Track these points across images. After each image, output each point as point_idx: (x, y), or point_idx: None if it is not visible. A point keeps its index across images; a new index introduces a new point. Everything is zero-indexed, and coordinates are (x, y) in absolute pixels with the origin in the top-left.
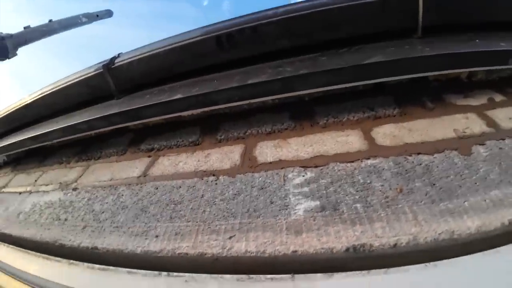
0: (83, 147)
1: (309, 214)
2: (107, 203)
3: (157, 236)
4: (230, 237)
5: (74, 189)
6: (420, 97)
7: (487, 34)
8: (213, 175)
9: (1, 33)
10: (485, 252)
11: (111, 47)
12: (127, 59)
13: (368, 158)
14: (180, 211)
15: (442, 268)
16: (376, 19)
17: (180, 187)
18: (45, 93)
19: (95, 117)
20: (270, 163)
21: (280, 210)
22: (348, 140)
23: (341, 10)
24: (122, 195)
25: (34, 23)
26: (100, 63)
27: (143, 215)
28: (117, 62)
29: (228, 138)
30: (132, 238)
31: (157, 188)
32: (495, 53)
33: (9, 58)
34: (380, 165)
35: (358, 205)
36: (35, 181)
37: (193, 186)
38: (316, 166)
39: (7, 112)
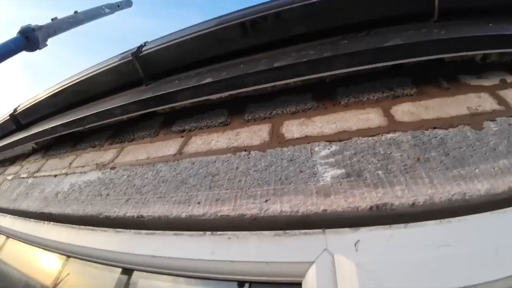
0: (114, 131)
1: (336, 180)
2: (147, 178)
3: (199, 203)
4: (266, 201)
5: (112, 168)
6: (436, 78)
7: (501, 18)
8: (245, 150)
9: (30, 25)
10: (494, 212)
11: (122, 36)
12: (154, 47)
13: (388, 133)
14: (218, 181)
15: (455, 223)
16: (394, 3)
17: (215, 161)
18: (75, 81)
19: (130, 101)
20: (297, 138)
21: (309, 177)
22: (369, 117)
23: None
24: (161, 170)
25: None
26: (127, 51)
27: (183, 186)
28: (145, 50)
29: (255, 118)
30: (175, 205)
31: (193, 163)
32: (508, 37)
33: (40, 48)
34: (399, 138)
35: (379, 172)
36: (70, 164)
37: (227, 160)
38: (340, 140)
39: (35, 102)
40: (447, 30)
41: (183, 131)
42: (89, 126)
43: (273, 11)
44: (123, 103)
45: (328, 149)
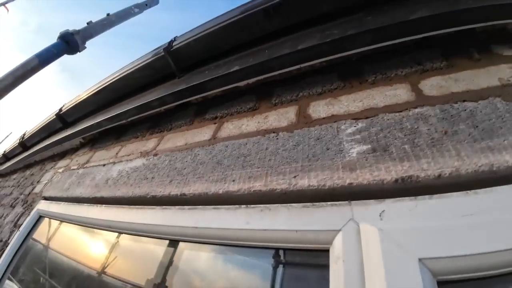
0: (153, 122)
1: (361, 156)
2: (186, 161)
3: (233, 180)
4: (295, 176)
5: (155, 154)
6: (467, 49)
7: None
8: (274, 132)
9: (68, 30)
10: None
11: (152, 32)
12: (183, 40)
13: (416, 107)
14: (249, 161)
15: (482, 195)
16: None
17: (246, 143)
18: (114, 79)
19: (166, 93)
20: (324, 118)
21: (335, 154)
22: (396, 93)
23: None
24: (198, 154)
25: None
26: (159, 47)
27: (219, 167)
28: (175, 45)
29: (282, 101)
30: (213, 183)
31: (227, 146)
32: None
33: (80, 51)
34: (427, 113)
35: (406, 146)
36: (116, 154)
37: (258, 142)
38: (366, 117)
39: (79, 101)
40: None
41: (216, 118)
42: (131, 119)
43: None
44: (160, 96)
45: (355, 126)
